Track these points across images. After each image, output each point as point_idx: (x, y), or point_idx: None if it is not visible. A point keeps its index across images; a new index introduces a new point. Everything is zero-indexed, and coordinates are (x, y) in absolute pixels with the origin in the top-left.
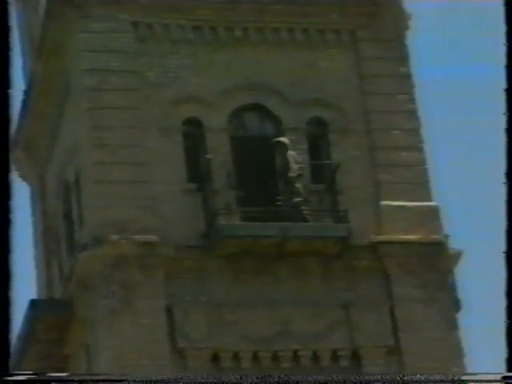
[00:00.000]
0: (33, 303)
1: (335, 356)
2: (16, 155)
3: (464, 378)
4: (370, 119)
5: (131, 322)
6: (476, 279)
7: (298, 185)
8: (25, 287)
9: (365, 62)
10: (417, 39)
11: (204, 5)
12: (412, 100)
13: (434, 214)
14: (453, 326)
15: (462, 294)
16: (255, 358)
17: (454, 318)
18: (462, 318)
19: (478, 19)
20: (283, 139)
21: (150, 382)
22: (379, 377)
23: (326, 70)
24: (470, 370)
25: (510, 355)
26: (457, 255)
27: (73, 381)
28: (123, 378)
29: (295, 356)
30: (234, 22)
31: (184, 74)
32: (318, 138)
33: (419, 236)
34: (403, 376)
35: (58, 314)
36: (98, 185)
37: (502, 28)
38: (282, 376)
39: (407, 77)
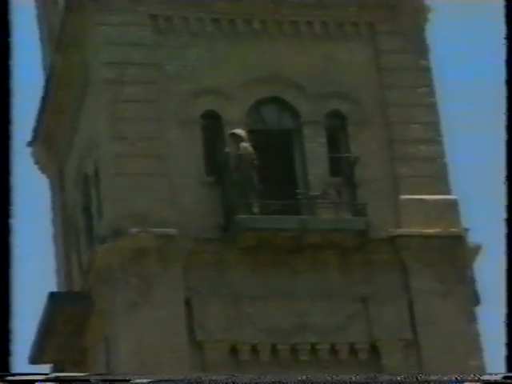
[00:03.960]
0: (52, 296)
1: (353, 349)
2: (35, 148)
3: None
4: (389, 112)
5: (150, 314)
6: (495, 273)
7: (253, 176)
8: (44, 280)
9: (384, 54)
10: (437, 32)
11: None
12: (431, 93)
13: (452, 207)
14: (471, 319)
15: (481, 287)
16: (274, 350)
17: (472, 311)
18: (481, 311)
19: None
20: (238, 131)
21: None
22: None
23: (344, 62)
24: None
25: (510, 355)
26: (476, 249)
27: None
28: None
29: (313, 349)
30: (253, 14)
31: (203, 67)
32: (336, 131)
33: (438, 229)
34: None
35: (77, 306)
36: (117, 177)
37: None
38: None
39: (426, 70)
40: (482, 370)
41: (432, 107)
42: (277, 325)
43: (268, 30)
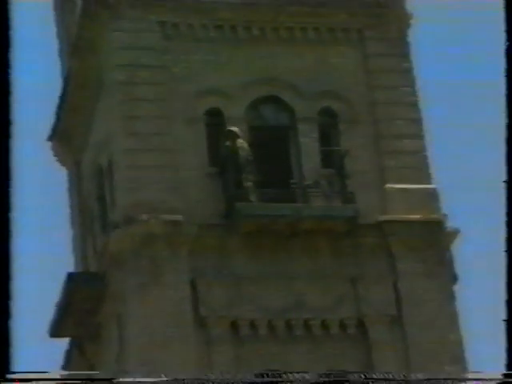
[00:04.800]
0: (70, 276)
1: (343, 324)
2: (55, 144)
3: (464, 375)
4: (376, 110)
5: (159, 294)
6: (471, 255)
7: (248, 169)
8: (63, 262)
9: (371, 58)
10: (419, 37)
11: (225, 6)
12: (413, 93)
13: (433, 195)
14: (450, 297)
15: (459, 268)
16: (270, 326)
17: (451, 290)
18: (459, 290)
19: (478, 18)
20: (234, 128)
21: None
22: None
23: (335, 65)
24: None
25: (510, 355)
26: (454, 233)
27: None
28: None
29: (307, 325)
30: (252, 21)
31: (206, 69)
32: (328, 127)
33: (420, 216)
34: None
35: (92, 286)
36: (129, 169)
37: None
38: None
39: (409, 71)
40: (459, 343)
41: (414, 105)
42: (274, 303)
43: (266, 36)
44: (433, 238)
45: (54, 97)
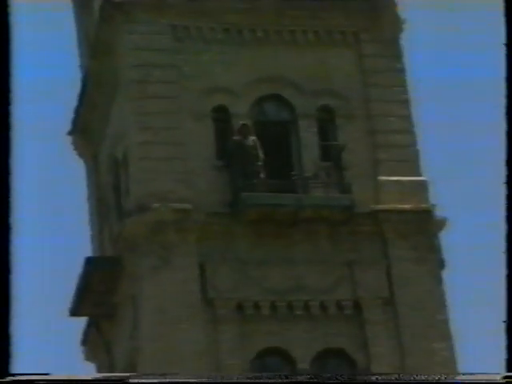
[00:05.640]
0: (88, 260)
1: (340, 306)
2: (74, 137)
3: (464, 378)
4: (371, 107)
5: (169, 276)
6: (458, 242)
7: (255, 162)
8: (81, 247)
9: (366, 58)
10: (411, 40)
11: (231, 10)
12: (405, 91)
13: (423, 186)
14: (438, 281)
15: (446, 254)
16: (273, 306)
17: (439, 275)
18: (446, 274)
19: (476, 18)
20: (247, 122)
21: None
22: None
23: (333, 65)
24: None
25: (509, 355)
26: (442, 222)
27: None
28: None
29: (306, 305)
30: (257, 25)
31: (214, 69)
32: (326, 123)
33: (411, 205)
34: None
35: (108, 269)
36: (142, 161)
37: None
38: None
39: (402, 71)
40: (446, 323)
41: (406, 103)
42: (276, 285)
43: (270, 38)
44: (423, 226)
45: (71, 95)
